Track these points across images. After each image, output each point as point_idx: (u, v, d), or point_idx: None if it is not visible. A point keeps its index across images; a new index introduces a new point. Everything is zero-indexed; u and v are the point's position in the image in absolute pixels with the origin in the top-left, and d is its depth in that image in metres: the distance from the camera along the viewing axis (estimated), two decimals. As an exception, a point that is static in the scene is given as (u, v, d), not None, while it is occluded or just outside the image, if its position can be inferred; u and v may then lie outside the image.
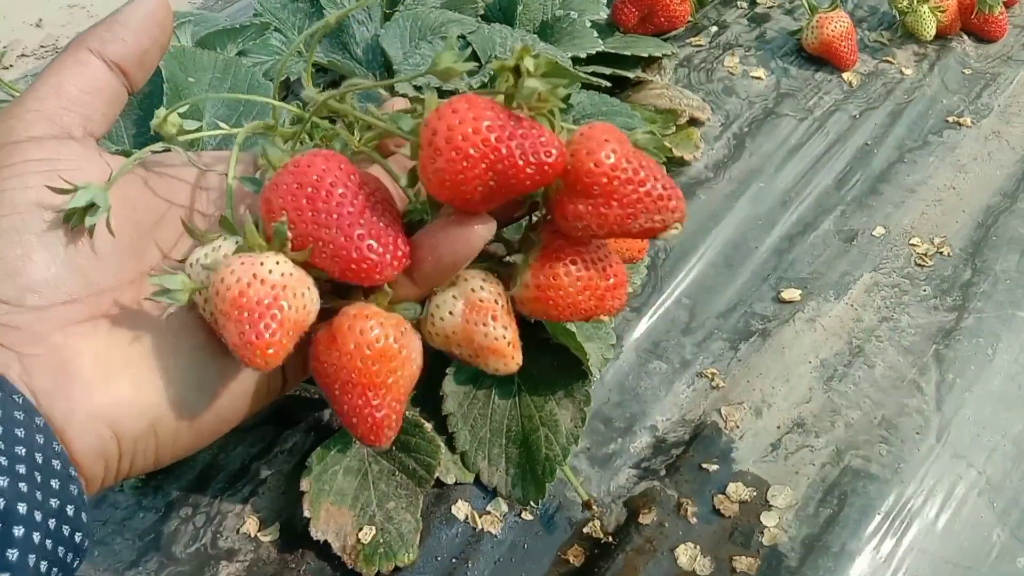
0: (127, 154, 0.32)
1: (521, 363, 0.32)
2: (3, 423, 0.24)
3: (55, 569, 0.25)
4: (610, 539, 0.41)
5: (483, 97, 0.28)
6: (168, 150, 0.33)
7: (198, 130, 0.33)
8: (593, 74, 0.57)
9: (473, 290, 0.31)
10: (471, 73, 0.53)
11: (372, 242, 0.28)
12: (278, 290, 0.27)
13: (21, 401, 0.26)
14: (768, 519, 0.42)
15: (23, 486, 0.24)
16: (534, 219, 0.33)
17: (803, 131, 0.64)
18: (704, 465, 0.44)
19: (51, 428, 0.27)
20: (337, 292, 0.30)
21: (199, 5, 0.82)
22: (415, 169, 0.29)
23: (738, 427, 0.46)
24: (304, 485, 0.40)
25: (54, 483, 0.25)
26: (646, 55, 0.64)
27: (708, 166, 0.61)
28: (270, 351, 0.27)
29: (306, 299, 0.28)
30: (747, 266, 0.55)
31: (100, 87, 0.32)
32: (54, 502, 0.25)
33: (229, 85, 0.47)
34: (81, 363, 0.28)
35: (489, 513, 0.42)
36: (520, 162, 0.27)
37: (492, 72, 0.28)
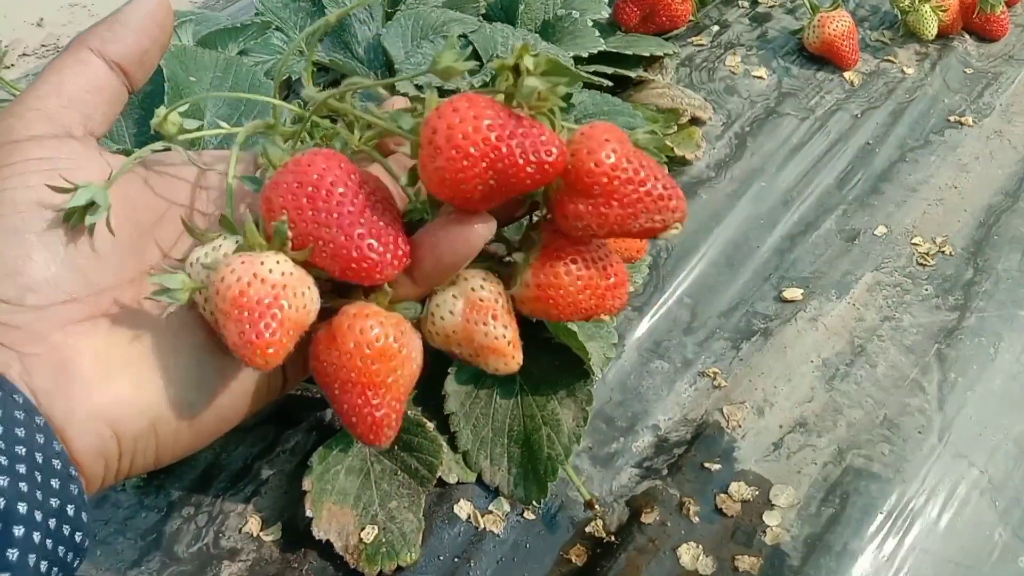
0: (128, 153, 0.32)
1: (521, 363, 0.32)
2: (3, 422, 0.24)
3: (55, 569, 0.24)
4: (612, 538, 0.41)
5: (483, 96, 0.28)
6: (168, 149, 0.33)
7: (198, 129, 0.33)
8: (595, 73, 0.57)
9: (473, 289, 0.31)
10: (472, 72, 0.53)
11: (372, 241, 0.28)
12: (278, 289, 0.27)
13: (21, 400, 0.26)
14: (770, 518, 0.41)
15: (23, 485, 0.24)
16: (534, 218, 0.33)
17: (805, 130, 0.64)
18: (706, 464, 0.44)
19: (51, 427, 0.27)
20: (337, 291, 0.30)
21: (200, 4, 0.82)
22: (415, 168, 0.29)
23: (740, 426, 0.46)
24: (306, 484, 0.40)
25: (54, 483, 0.25)
26: (648, 54, 0.64)
27: (710, 165, 0.61)
28: (270, 351, 0.27)
29: (306, 298, 0.28)
30: (749, 265, 0.55)
31: (101, 86, 0.32)
32: (54, 501, 0.25)
33: (230, 84, 0.47)
34: (81, 362, 0.28)
35: (491, 512, 0.42)
36: (520, 161, 0.27)
37: (492, 71, 0.28)
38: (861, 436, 0.45)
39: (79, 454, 0.27)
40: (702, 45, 0.71)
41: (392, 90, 0.46)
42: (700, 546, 0.41)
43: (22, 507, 0.23)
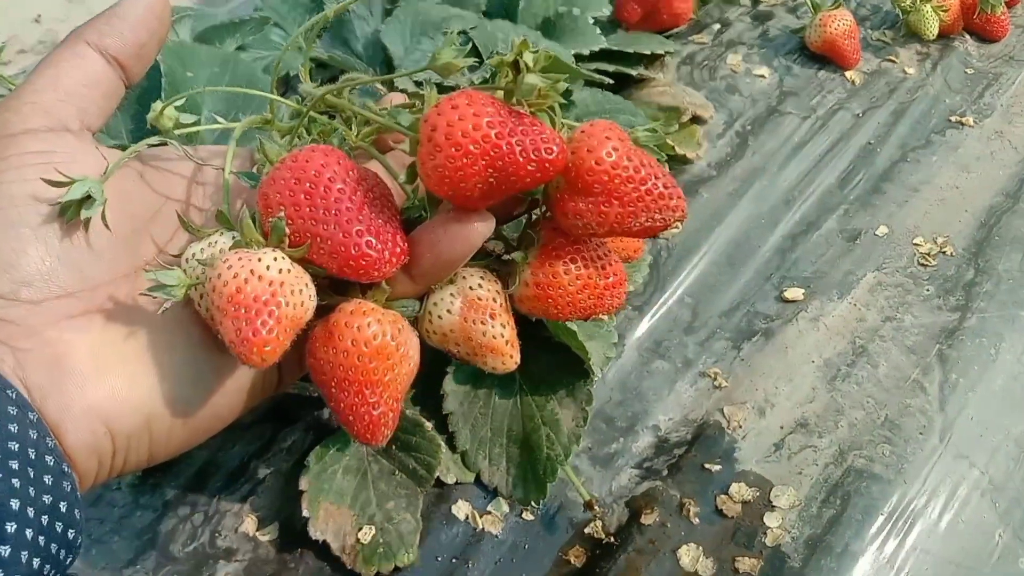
0: (124, 148, 0.31)
1: (519, 362, 0.32)
2: (-4, 419, 0.24)
3: (48, 566, 0.24)
4: (612, 539, 0.41)
5: (483, 93, 0.27)
6: (165, 144, 0.33)
7: (195, 124, 0.33)
8: (596, 71, 0.56)
9: (471, 288, 0.31)
10: (472, 69, 0.52)
11: (371, 238, 0.28)
12: (275, 287, 0.27)
13: (14, 396, 0.26)
14: (771, 519, 0.41)
15: (16, 482, 0.23)
16: (534, 216, 0.33)
17: (806, 130, 0.63)
18: (707, 465, 0.44)
19: (45, 423, 0.26)
20: (334, 288, 0.30)
21: (199, 0, 0.82)
22: (414, 165, 0.29)
23: (741, 427, 0.45)
24: (303, 484, 0.40)
25: (47, 479, 0.25)
26: (649, 52, 0.64)
27: (711, 164, 0.61)
28: (267, 348, 0.26)
29: (303, 296, 0.28)
30: (750, 265, 0.54)
31: (97, 80, 0.31)
32: (47, 498, 0.24)
33: (228, 80, 0.47)
34: (75, 358, 0.27)
35: (490, 513, 0.42)
36: (520, 159, 0.27)
37: (492, 68, 0.28)
38: (862, 437, 0.45)
39: (72, 450, 0.27)
40: (703, 43, 0.70)
41: (391, 86, 0.46)
42: (700, 547, 0.40)
43: (14, 503, 0.23)
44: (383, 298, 0.30)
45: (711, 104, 0.63)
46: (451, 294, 0.31)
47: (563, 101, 0.29)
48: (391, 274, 0.29)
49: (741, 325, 0.51)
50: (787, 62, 0.69)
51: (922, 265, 0.54)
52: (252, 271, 0.27)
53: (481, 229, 0.29)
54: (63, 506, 0.25)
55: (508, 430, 0.43)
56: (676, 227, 0.30)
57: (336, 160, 0.28)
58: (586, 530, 0.41)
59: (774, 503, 0.42)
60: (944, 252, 0.55)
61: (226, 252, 0.28)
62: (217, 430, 0.32)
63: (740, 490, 0.42)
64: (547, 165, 0.27)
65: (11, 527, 0.23)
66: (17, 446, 0.24)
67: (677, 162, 0.60)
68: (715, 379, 0.48)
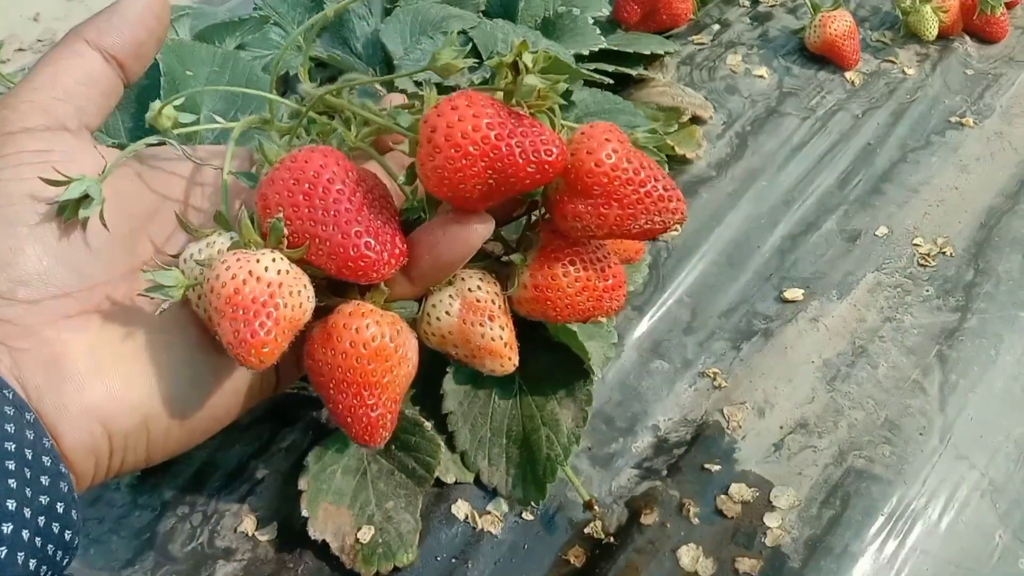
0: (123, 147, 0.31)
1: (517, 364, 0.32)
2: (-7, 420, 0.24)
3: (44, 567, 0.24)
4: (611, 540, 0.41)
5: (483, 94, 0.27)
6: (163, 143, 0.33)
7: (194, 124, 0.33)
8: (596, 71, 0.56)
9: (470, 290, 0.31)
10: (472, 69, 0.52)
11: (369, 240, 0.27)
12: (274, 288, 0.27)
13: (11, 396, 0.25)
14: (771, 520, 0.41)
15: (12, 482, 0.23)
16: (533, 218, 0.33)
17: (806, 130, 0.63)
18: (706, 465, 0.44)
19: (42, 424, 0.26)
20: (333, 289, 0.30)
21: None
22: (413, 166, 0.29)
23: (740, 427, 0.45)
24: (302, 484, 0.40)
25: (44, 479, 0.25)
26: (648, 53, 0.64)
27: (710, 164, 0.61)
28: (265, 350, 0.26)
29: (302, 297, 0.28)
30: (749, 265, 0.54)
31: (96, 78, 0.31)
32: (44, 499, 0.24)
33: (227, 79, 0.47)
34: (73, 358, 0.27)
35: (489, 513, 0.42)
36: (520, 160, 0.27)
37: (491, 68, 0.28)
38: (862, 437, 0.45)
39: (69, 451, 0.27)
40: (703, 44, 0.70)
41: (391, 87, 0.46)
42: (700, 548, 0.40)
43: (11, 504, 0.23)
44: (382, 299, 0.30)
45: (711, 104, 0.63)
46: (450, 296, 0.31)
47: (563, 102, 0.29)
48: (390, 275, 0.29)
49: (741, 325, 0.51)
50: (787, 63, 0.69)
51: (922, 266, 0.54)
52: (250, 272, 0.27)
53: (480, 231, 0.29)
54: (60, 507, 0.25)
55: (508, 430, 0.43)
56: (675, 230, 0.30)
57: (335, 161, 0.28)
58: (586, 530, 0.41)
59: (774, 503, 0.42)
60: (944, 253, 0.55)
61: (224, 253, 0.28)
62: (215, 431, 0.32)
63: (740, 490, 0.42)
64: (547, 167, 0.27)
65: (7, 528, 0.23)
66: (14, 446, 0.24)
67: (677, 162, 0.60)
68: (715, 379, 0.48)
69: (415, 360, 0.31)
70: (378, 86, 0.50)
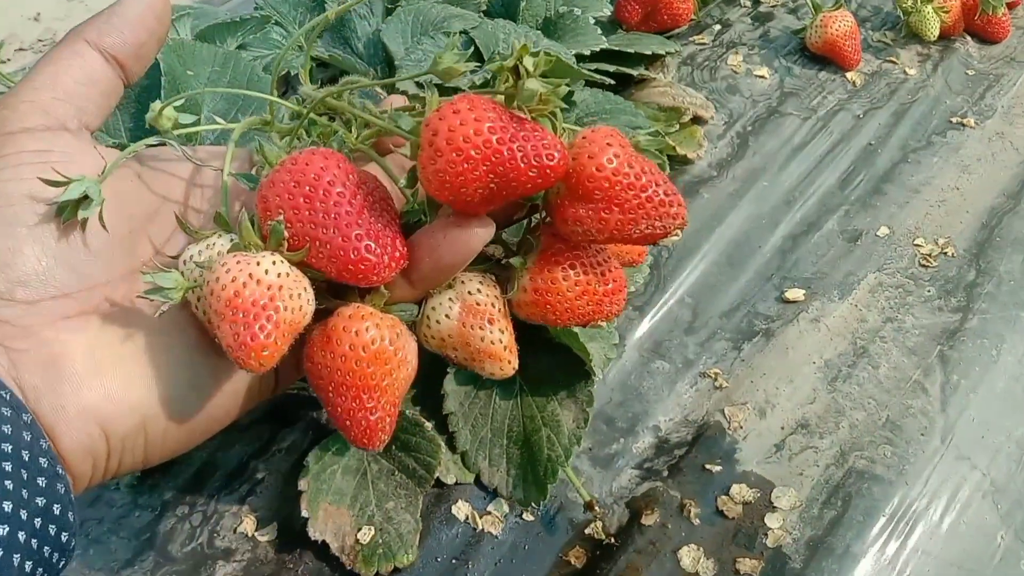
0: (123, 147, 0.31)
1: (517, 368, 0.32)
2: (-10, 420, 0.24)
3: (40, 569, 0.24)
4: (612, 540, 0.41)
5: (485, 97, 0.27)
6: (163, 144, 0.33)
7: (194, 124, 0.33)
8: (597, 71, 0.56)
9: (470, 293, 0.31)
10: (473, 71, 0.52)
11: (370, 243, 0.27)
12: (274, 291, 0.27)
13: (8, 397, 0.25)
14: (772, 521, 0.41)
15: (8, 484, 0.23)
16: (533, 222, 0.33)
17: (807, 130, 0.63)
18: (707, 466, 0.44)
19: (39, 425, 0.26)
20: (332, 292, 0.30)
21: (199, -1, 0.81)
22: (414, 169, 0.29)
23: (741, 428, 0.45)
24: (302, 485, 0.40)
25: (40, 481, 0.25)
26: (650, 53, 0.64)
27: (711, 165, 0.60)
28: (265, 353, 0.26)
29: (302, 300, 0.28)
30: (750, 265, 0.54)
31: (96, 79, 0.31)
32: (40, 500, 0.24)
33: (228, 79, 0.47)
34: (71, 359, 0.27)
35: (490, 513, 0.42)
36: (522, 165, 0.27)
37: (491, 72, 0.28)
38: (863, 438, 0.45)
39: (67, 452, 0.27)
40: (704, 44, 0.70)
41: (392, 88, 0.46)
42: (701, 548, 0.40)
43: (7, 505, 0.23)
44: (381, 302, 0.30)
45: (711, 104, 0.63)
46: (450, 299, 0.31)
47: (564, 106, 0.29)
48: (390, 278, 0.29)
49: (742, 325, 0.51)
50: (788, 63, 0.69)
51: (923, 266, 0.54)
52: (250, 275, 0.27)
53: (481, 234, 0.29)
54: (57, 509, 0.25)
55: (508, 431, 0.43)
56: (676, 235, 0.30)
57: (336, 163, 0.28)
58: (586, 531, 0.41)
59: (775, 504, 0.42)
60: (945, 253, 0.55)
61: (224, 255, 0.28)
62: (213, 433, 0.32)
63: (741, 491, 0.42)
64: (548, 171, 0.27)
65: (3, 530, 0.23)
66: (10, 448, 0.24)
67: (678, 162, 0.60)
68: (716, 379, 0.48)
69: (414, 363, 0.31)
70: (378, 89, 0.50)
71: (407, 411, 0.42)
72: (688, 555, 0.40)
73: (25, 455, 0.24)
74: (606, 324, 0.45)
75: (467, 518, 0.42)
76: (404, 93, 0.44)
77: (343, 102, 0.31)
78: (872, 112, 0.65)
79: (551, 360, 0.43)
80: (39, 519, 0.24)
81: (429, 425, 0.41)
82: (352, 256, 0.27)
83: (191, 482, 0.43)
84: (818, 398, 0.47)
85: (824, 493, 0.42)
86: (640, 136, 0.31)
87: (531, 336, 0.35)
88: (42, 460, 0.25)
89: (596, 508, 0.42)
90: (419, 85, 0.50)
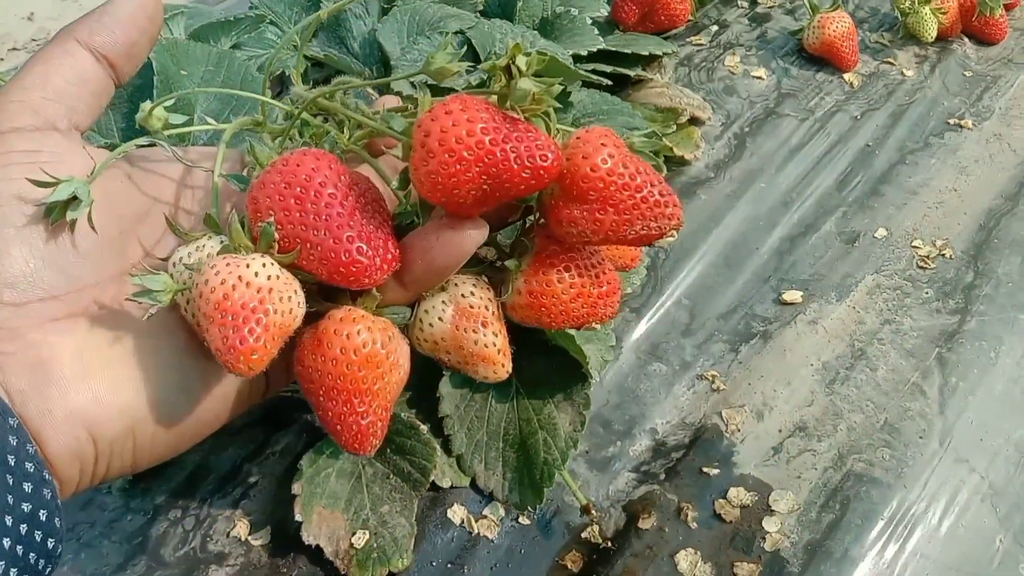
0: (115, 147, 0.31)
1: (511, 371, 0.32)
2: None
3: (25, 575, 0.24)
4: (609, 544, 0.40)
5: (477, 98, 0.27)
6: (154, 145, 0.33)
7: (184, 125, 0.33)
8: (593, 72, 0.56)
9: (463, 295, 0.30)
10: (469, 71, 0.52)
11: (362, 245, 0.27)
12: (264, 293, 0.26)
13: None
14: (770, 524, 0.41)
15: None
16: (527, 223, 0.33)
17: (804, 131, 0.63)
18: (705, 469, 0.43)
19: (25, 429, 0.26)
20: (324, 295, 0.30)
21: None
22: (407, 171, 0.28)
23: (739, 430, 0.45)
24: (296, 488, 0.40)
25: (27, 486, 0.24)
26: (647, 53, 0.64)
27: (709, 166, 0.60)
28: (254, 357, 0.26)
29: (292, 303, 0.27)
30: (748, 267, 0.54)
31: (87, 78, 0.31)
32: (26, 506, 0.24)
33: (222, 79, 0.46)
34: (58, 362, 0.27)
35: (486, 517, 0.41)
36: (515, 166, 0.26)
37: (485, 72, 0.28)
38: (861, 440, 0.44)
39: (54, 457, 0.27)
40: (701, 45, 0.70)
41: (384, 89, 0.45)
42: (698, 552, 0.40)
43: None
44: (373, 305, 0.29)
45: (709, 105, 0.63)
46: (443, 301, 0.30)
47: (558, 106, 0.28)
48: (382, 281, 0.28)
49: (739, 327, 0.50)
50: (785, 64, 0.69)
51: (921, 268, 0.54)
52: (240, 277, 0.26)
53: (474, 236, 0.29)
54: (43, 514, 0.25)
55: (504, 434, 0.43)
56: (672, 236, 0.30)
57: (327, 164, 0.28)
58: (583, 535, 0.41)
59: (773, 507, 0.42)
60: (943, 255, 0.54)
61: (214, 257, 0.28)
62: (202, 437, 0.31)
63: (738, 494, 0.42)
64: (541, 172, 0.27)
65: None
66: None
67: (675, 163, 0.59)
68: (713, 382, 0.48)
69: (407, 367, 0.30)
70: (369, 90, 0.49)
71: (402, 414, 0.42)
72: (685, 559, 0.40)
73: (10, 460, 0.24)
74: (602, 326, 0.44)
75: (463, 522, 0.41)
76: (398, 94, 0.43)
77: (335, 103, 0.31)
78: (870, 113, 0.65)
79: (547, 362, 0.43)
80: (24, 525, 0.24)
81: (424, 428, 0.41)
82: (343, 258, 0.27)
83: (184, 485, 0.42)
84: (816, 401, 0.46)
85: (822, 496, 0.42)
86: (635, 137, 0.31)
87: (527, 338, 0.34)
88: (28, 465, 0.25)
89: (593, 512, 0.41)
90: (413, 86, 0.50)
